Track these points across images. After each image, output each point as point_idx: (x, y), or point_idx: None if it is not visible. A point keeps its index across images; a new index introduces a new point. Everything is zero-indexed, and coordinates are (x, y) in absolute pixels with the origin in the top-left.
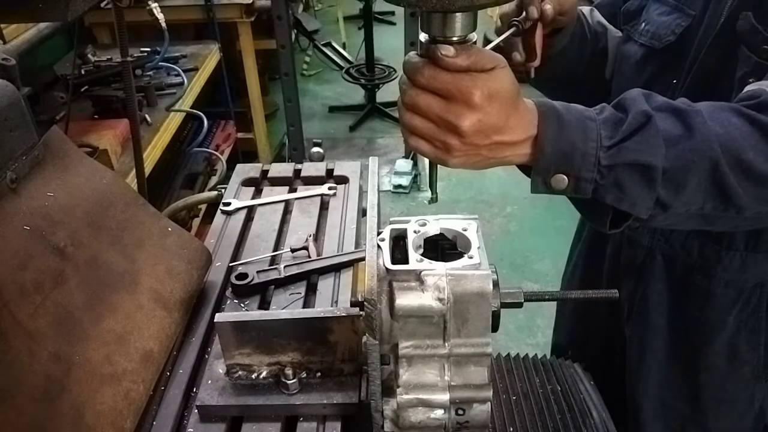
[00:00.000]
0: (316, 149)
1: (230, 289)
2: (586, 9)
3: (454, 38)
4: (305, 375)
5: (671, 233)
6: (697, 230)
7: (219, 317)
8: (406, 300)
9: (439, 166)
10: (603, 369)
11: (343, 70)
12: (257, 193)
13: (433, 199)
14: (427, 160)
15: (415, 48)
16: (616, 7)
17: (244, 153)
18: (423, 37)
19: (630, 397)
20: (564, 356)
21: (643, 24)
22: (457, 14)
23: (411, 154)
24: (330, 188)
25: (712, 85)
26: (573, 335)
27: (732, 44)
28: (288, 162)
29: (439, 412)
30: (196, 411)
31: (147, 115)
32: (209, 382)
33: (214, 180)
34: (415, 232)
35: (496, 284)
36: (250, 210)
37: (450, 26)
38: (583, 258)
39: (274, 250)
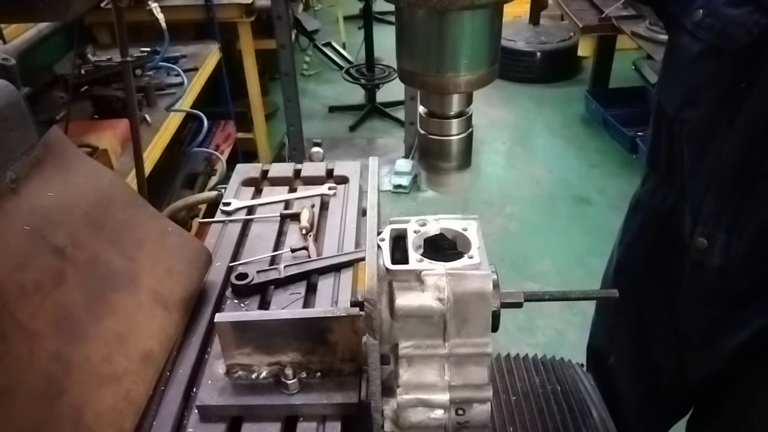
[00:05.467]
0: (316, 149)
1: (230, 289)
2: None
3: (452, 113)
4: (305, 375)
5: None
6: None
7: (219, 317)
8: (406, 300)
9: None
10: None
11: (343, 70)
12: (257, 193)
13: None
14: None
15: None
16: None
17: (244, 153)
18: (422, 110)
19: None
20: (606, 362)
21: (702, 13)
22: (454, 95)
23: (411, 154)
24: (330, 188)
25: None
26: (617, 342)
27: None
28: (288, 162)
29: (439, 412)
30: (196, 411)
31: (147, 115)
32: (209, 382)
33: (214, 180)
34: (415, 232)
35: (496, 284)
36: (250, 210)
37: (447, 104)
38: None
39: (274, 250)
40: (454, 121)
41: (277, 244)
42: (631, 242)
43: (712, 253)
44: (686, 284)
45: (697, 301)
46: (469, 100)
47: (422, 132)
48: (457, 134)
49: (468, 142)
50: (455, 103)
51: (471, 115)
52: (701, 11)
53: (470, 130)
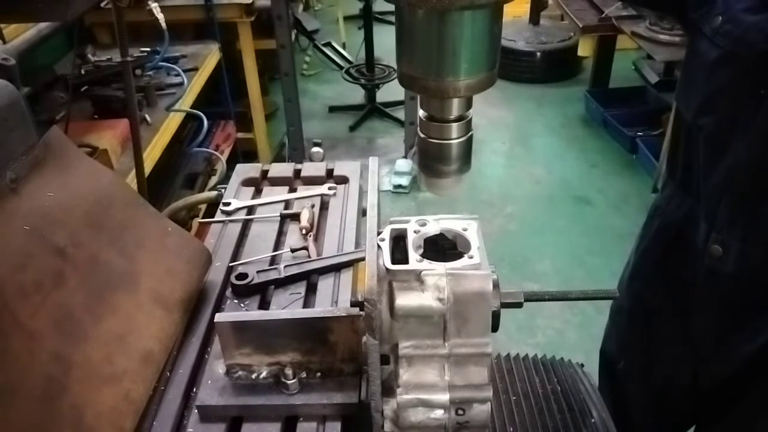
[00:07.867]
0: (316, 149)
1: (230, 289)
2: None
3: (452, 117)
4: (305, 375)
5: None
6: None
7: (219, 317)
8: (406, 300)
9: None
10: (662, 389)
11: (343, 70)
12: (257, 193)
13: None
14: None
15: None
16: None
17: (244, 153)
18: (422, 113)
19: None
20: (615, 365)
21: (720, 19)
22: (454, 99)
23: (411, 154)
24: (330, 188)
25: None
26: (629, 347)
27: None
28: (288, 162)
29: (439, 412)
30: (196, 411)
31: (147, 115)
32: (209, 382)
33: (214, 180)
34: (415, 232)
35: (496, 284)
36: (250, 210)
37: (447, 108)
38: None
39: (274, 250)
40: (454, 125)
41: (277, 244)
42: (647, 248)
43: (727, 260)
44: (699, 291)
45: (710, 308)
46: (468, 104)
47: (422, 135)
48: (457, 138)
49: (468, 146)
50: (455, 107)
51: (471, 119)
52: (720, 17)
53: (470, 133)
